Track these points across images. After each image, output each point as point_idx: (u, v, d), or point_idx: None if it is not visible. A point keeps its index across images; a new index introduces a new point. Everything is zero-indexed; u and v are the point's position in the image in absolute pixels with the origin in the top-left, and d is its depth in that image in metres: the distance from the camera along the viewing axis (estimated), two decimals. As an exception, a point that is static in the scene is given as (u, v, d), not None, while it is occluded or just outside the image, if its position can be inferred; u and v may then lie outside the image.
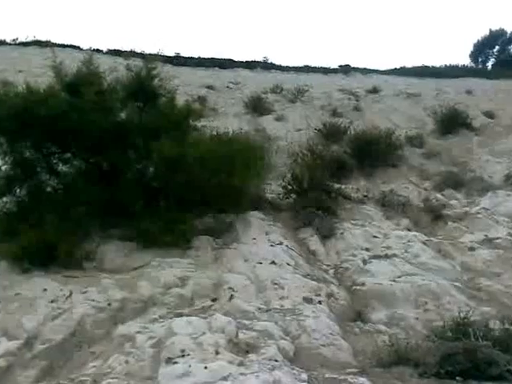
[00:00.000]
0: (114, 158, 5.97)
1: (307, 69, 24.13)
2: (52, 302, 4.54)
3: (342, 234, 6.75)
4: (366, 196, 8.49)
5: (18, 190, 6.09)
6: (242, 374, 3.26)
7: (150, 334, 4.01)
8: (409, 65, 24.84)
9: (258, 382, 3.18)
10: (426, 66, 24.53)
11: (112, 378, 3.54)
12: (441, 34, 70.71)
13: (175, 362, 3.49)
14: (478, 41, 29.21)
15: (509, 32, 28.46)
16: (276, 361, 3.51)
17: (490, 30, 29.56)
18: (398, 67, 25.04)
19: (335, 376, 3.49)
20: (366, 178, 9.68)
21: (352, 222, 7.17)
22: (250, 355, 3.58)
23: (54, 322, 4.21)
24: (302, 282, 5.10)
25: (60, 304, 4.49)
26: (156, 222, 5.69)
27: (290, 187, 8.05)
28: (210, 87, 17.34)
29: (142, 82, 6.60)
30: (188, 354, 3.56)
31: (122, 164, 6.04)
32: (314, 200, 7.44)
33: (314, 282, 5.20)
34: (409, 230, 7.05)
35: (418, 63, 25.22)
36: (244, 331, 3.97)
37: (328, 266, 6.05)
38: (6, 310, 4.41)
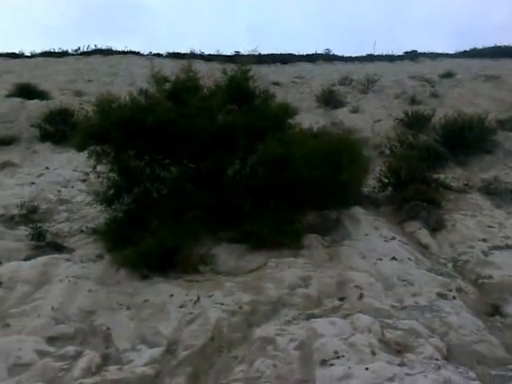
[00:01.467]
0: (219, 161, 6.04)
1: (371, 58, 23.79)
2: (181, 307, 4.63)
3: (453, 225, 6.56)
4: (466, 185, 8.25)
5: (124, 198, 6.26)
6: (408, 374, 3.19)
7: (291, 337, 4.00)
8: (479, 46, 24.03)
9: (427, 382, 3.11)
10: (498, 46, 23.64)
11: (264, 383, 3.56)
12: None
13: (332, 364, 3.47)
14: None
15: None
16: (437, 360, 3.43)
17: None
18: (467, 49, 24.27)
19: (502, 373, 3.37)
20: (461, 166, 9.39)
21: (461, 212, 6.97)
22: (407, 355, 3.51)
23: (191, 328, 4.27)
24: (429, 278, 4.99)
25: (190, 309, 4.56)
26: (266, 223, 5.72)
27: (386, 180, 7.94)
28: (276, 83, 17.32)
29: (238, 84, 6.68)
30: (343, 356, 3.52)
31: (226, 166, 6.11)
32: (415, 192, 7.30)
33: (440, 277, 5.08)
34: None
35: (489, 43, 24.24)
36: (389, 330, 3.91)
37: (445, 259, 5.90)
38: (139, 317, 4.52)
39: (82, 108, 11.48)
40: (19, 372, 3.79)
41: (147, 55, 22.47)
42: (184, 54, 22.49)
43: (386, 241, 5.91)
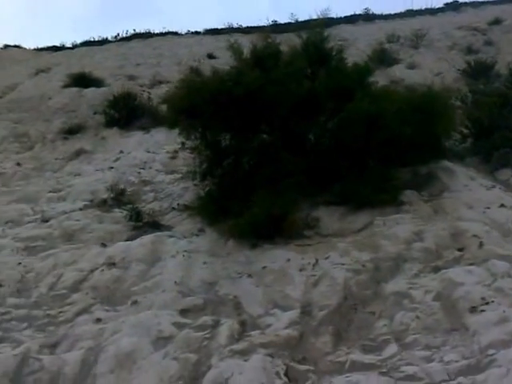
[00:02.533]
0: (309, 126, 5.97)
1: (412, 13, 23.09)
2: (301, 270, 4.63)
3: (551, 170, 6.36)
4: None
5: (215, 172, 6.27)
6: None
7: (425, 289, 3.98)
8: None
9: None
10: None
11: (414, 334, 3.54)
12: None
13: (482, 311, 3.42)
14: None
15: None
16: None
17: None
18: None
19: None
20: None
21: (556, 157, 6.73)
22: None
23: (320, 289, 4.27)
24: (547, 223, 4.85)
25: (311, 272, 4.56)
26: (363, 183, 5.64)
27: (466, 131, 7.72)
28: (321, 48, 16.98)
29: (316, 46, 6.57)
30: (492, 301, 3.47)
31: (316, 130, 6.04)
32: (502, 139, 7.07)
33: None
34: None
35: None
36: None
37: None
38: (264, 283, 4.55)
39: (144, 91, 11.58)
40: (164, 344, 3.87)
41: (186, 34, 22.37)
42: (221, 29, 22.34)
43: (487, 189, 5.77)
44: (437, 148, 6.25)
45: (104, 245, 5.86)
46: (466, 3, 22.89)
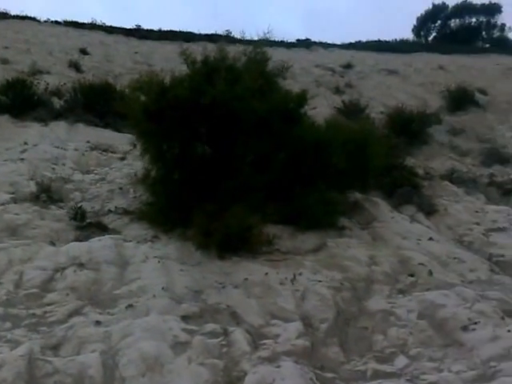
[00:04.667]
0: (264, 144, 6.41)
1: (268, 43, 24.58)
2: (281, 284, 5.06)
3: (445, 209, 7.65)
4: (428, 173, 9.48)
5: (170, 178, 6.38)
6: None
7: (406, 308, 4.64)
8: (363, 39, 26.10)
9: None
10: (380, 41, 25.92)
11: (415, 348, 4.14)
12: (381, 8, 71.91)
13: (473, 329, 4.14)
14: (422, 15, 31.17)
15: (450, 6, 30.65)
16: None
17: (433, 3, 31.50)
18: (352, 41, 26.25)
19: None
20: (407, 155, 10.65)
21: (444, 198, 8.11)
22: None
23: (311, 303, 4.72)
24: (472, 257, 5.96)
25: (292, 286, 5.00)
26: (312, 205, 6.26)
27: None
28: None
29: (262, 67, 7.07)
30: (479, 322, 4.21)
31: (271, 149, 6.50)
32: (402, 178, 8.30)
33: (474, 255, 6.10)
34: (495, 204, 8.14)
35: (372, 38, 26.46)
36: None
37: (452, 240, 6.96)
38: (253, 294, 4.86)
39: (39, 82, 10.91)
40: (183, 349, 3.99)
41: (45, 22, 21.01)
42: (83, 23, 21.45)
43: (410, 222, 6.82)
44: (364, 179, 7.14)
45: (53, 243, 5.67)
46: (315, 42, 25.13)
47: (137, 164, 8.59)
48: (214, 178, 6.22)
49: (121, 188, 7.53)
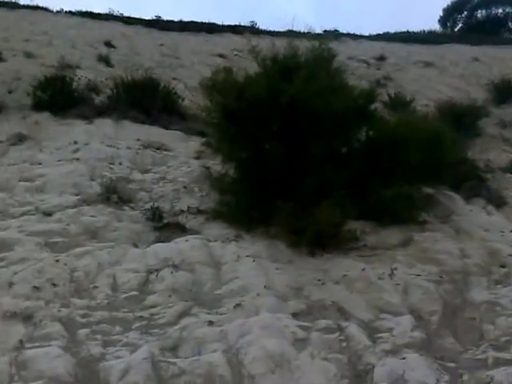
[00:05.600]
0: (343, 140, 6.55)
1: (293, 33, 24.72)
2: (380, 279, 5.18)
3: (514, 201, 7.75)
4: (488, 166, 9.56)
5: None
6: None
7: (509, 298, 4.79)
8: (391, 30, 26.19)
9: None
10: (409, 32, 25.97)
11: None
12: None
13: None
14: (448, 6, 31.24)
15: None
16: None
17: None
18: (381, 33, 26.34)
19: None
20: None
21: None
22: None
23: (416, 297, 4.84)
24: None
25: (391, 281, 5.12)
26: (394, 200, 6.39)
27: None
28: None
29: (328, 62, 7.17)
30: None
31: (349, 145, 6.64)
32: (469, 171, 8.40)
33: None
34: None
35: (401, 29, 26.47)
36: None
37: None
38: (356, 290, 4.97)
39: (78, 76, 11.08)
40: (303, 346, 4.08)
41: (58, 12, 21.21)
42: (99, 14, 21.64)
43: (488, 215, 6.92)
44: (437, 175, 7.24)
45: (135, 245, 5.80)
46: (343, 34, 25.23)
47: (193, 162, 8.78)
48: (292, 176, 6.35)
49: (185, 187, 7.66)
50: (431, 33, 26.88)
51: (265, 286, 4.91)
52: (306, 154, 6.39)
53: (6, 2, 20.68)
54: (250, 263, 5.36)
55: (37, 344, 3.99)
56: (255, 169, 6.42)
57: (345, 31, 25.29)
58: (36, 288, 4.67)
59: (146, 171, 8.23)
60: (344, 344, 4.18)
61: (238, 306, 4.64)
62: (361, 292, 4.97)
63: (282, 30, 24.36)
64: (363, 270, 5.31)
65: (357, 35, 25.04)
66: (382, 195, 6.42)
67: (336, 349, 4.12)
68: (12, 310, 4.34)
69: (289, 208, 5.94)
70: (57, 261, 5.16)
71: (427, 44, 22.79)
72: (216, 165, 8.48)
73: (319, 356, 4.02)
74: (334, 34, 24.59)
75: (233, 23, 23.97)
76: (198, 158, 8.74)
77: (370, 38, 25.00)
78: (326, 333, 4.31)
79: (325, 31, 25.33)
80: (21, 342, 4.00)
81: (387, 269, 5.31)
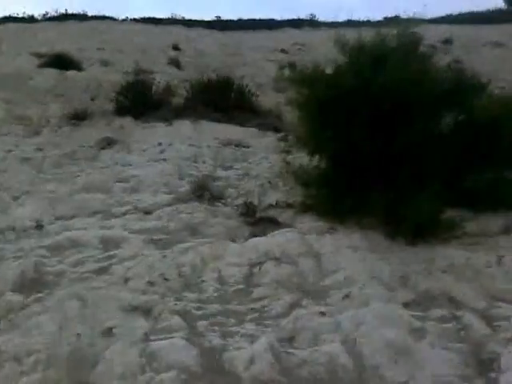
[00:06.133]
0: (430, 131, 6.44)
1: (353, 23, 24.47)
2: (488, 267, 5.09)
3: None
4: None
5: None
6: None
7: None
8: (455, 11, 25.48)
9: None
10: (473, 12, 25.23)
11: None
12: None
13: None
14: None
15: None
16: None
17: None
18: (443, 15, 25.69)
19: None
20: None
21: None
22: None
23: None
24: None
25: (500, 268, 5.04)
26: (493, 186, 6.23)
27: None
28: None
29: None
30: None
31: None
32: None
33: None
34: None
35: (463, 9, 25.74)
36: None
37: None
38: (465, 279, 4.92)
39: (157, 81, 11.38)
40: (421, 336, 4.07)
41: (124, 20, 21.83)
42: (160, 19, 22.14)
43: None
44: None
45: (233, 240, 5.92)
46: (404, 19, 24.67)
47: (273, 157, 8.88)
48: (384, 165, 6.30)
49: (269, 182, 7.76)
50: (497, 11, 25.95)
51: (372, 277, 4.91)
52: (398, 142, 6.33)
53: (76, 14, 21.44)
54: (350, 254, 5.38)
55: (161, 336, 4.14)
56: (347, 159, 6.41)
57: (405, 16, 24.65)
58: (150, 283, 4.84)
59: (228, 168, 8.42)
60: (462, 333, 4.15)
61: (346, 296, 4.67)
62: (470, 281, 4.90)
63: (340, 20, 24.27)
64: (468, 258, 5.22)
65: (418, 19, 24.42)
66: (479, 180, 6.26)
67: (455, 338, 4.09)
68: (132, 304, 4.51)
69: (384, 198, 5.91)
70: (164, 256, 5.34)
71: (494, 24, 22.03)
72: (296, 158, 8.60)
73: (439, 345, 4.00)
74: (395, 20, 24.13)
75: (291, 17, 23.86)
76: (281, 152, 8.80)
77: (433, 21, 24.35)
78: (442, 322, 4.28)
79: (385, 18, 24.96)
80: (145, 334, 4.16)
81: (493, 256, 5.22)
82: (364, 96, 6.19)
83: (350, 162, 6.47)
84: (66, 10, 21.28)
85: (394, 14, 23.83)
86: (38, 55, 13.57)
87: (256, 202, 7.02)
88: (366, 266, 5.18)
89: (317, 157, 6.69)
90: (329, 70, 6.77)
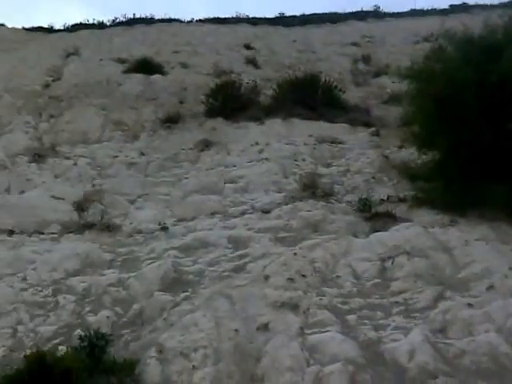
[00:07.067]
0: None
1: (418, 12, 24.14)
2: None
3: None
4: None
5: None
6: None
7: None
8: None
9: None
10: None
11: None
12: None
13: None
14: None
15: None
16: None
17: None
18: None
19: None
20: None
21: None
22: None
23: None
24: None
25: None
26: None
27: None
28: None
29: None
30: None
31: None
32: None
33: None
34: None
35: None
36: None
37: None
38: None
39: (244, 81, 11.59)
40: None
41: (190, 22, 22.24)
42: (225, 18, 22.43)
43: None
44: None
45: (355, 235, 6.04)
46: (472, 6, 24.11)
47: (370, 152, 8.94)
48: (503, 156, 6.30)
49: (373, 177, 7.85)
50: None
51: (510, 268, 4.95)
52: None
53: (143, 18, 21.98)
54: (482, 246, 5.43)
55: (315, 330, 4.33)
56: (465, 152, 6.42)
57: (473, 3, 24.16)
58: (290, 280, 5.02)
59: (328, 165, 8.52)
60: None
61: (490, 288, 4.73)
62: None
63: (404, 10, 23.94)
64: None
65: (486, 5, 23.82)
66: None
67: None
68: (279, 300, 4.72)
69: (505, 190, 5.92)
70: (295, 254, 5.52)
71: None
72: (394, 153, 8.65)
73: None
74: (462, 7, 23.68)
75: (355, 10, 23.74)
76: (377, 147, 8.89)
77: (500, 6, 23.63)
78: None
79: (451, 6, 24.49)
80: (301, 328, 4.35)
81: None
82: (480, 88, 6.20)
83: (465, 155, 6.49)
84: (134, 14, 21.99)
85: (460, 2, 23.53)
86: (120, 60, 14.03)
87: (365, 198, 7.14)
88: (502, 257, 5.21)
89: (431, 151, 6.72)
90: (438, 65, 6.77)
